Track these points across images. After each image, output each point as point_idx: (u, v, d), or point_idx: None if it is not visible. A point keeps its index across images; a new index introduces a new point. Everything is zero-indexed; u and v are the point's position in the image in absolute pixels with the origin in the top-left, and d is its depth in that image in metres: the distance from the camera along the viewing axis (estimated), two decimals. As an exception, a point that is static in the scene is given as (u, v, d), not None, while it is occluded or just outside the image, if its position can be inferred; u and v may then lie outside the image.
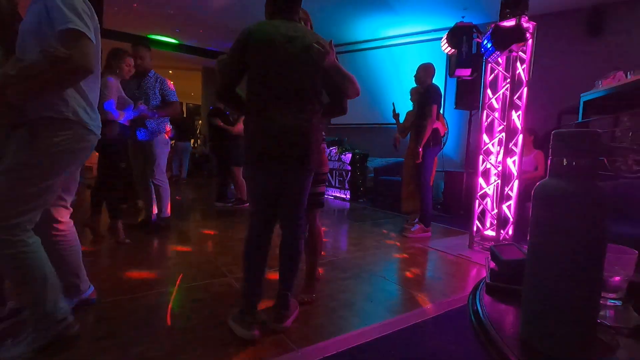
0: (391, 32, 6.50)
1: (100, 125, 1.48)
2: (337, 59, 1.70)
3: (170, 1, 5.50)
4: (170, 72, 10.09)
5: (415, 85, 3.71)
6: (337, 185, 6.04)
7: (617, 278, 0.69)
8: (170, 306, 1.93)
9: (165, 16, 6.15)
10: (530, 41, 2.83)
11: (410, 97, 3.94)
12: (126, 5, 5.67)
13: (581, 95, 3.34)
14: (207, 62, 9.10)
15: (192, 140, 10.16)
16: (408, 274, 2.57)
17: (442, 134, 3.71)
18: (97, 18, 1.34)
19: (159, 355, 1.43)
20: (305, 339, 1.59)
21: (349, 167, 5.81)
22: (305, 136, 1.59)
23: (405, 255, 3.00)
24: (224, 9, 5.64)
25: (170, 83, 3.22)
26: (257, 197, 1.64)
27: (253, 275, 1.64)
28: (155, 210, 3.31)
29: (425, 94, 3.48)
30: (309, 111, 1.61)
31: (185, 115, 11.45)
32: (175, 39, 7.43)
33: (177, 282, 2.18)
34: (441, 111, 4.37)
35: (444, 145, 5.47)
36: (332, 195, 6.09)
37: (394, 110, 3.91)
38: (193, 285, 2.14)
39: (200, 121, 10.73)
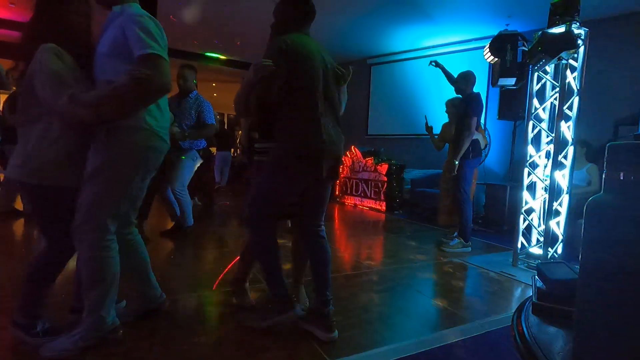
0: (431, 42, 6.41)
1: (169, 135, 1.59)
2: None
3: (215, 19, 5.81)
4: (213, 84, 10.60)
5: (456, 94, 3.62)
6: (372, 196, 5.97)
7: (686, 305, 0.63)
8: (207, 309, 1.99)
9: (210, 32, 6.51)
10: (582, 48, 2.68)
11: (445, 109, 3.85)
12: (175, 24, 6.06)
13: (641, 104, 3.08)
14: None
15: (232, 150, 10.53)
16: (446, 290, 2.47)
17: (482, 146, 3.58)
18: (166, 37, 1.44)
19: (195, 358, 1.48)
20: (338, 351, 1.57)
21: (385, 178, 5.74)
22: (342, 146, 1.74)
23: (442, 270, 2.89)
24: (262, 24, 5.86)
25: (209, 105, 3.32)
26: (282, 200, 1.70)
27: (282, 274, 1.69)
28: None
29: (466, 104, 3.37)
30: (339, 123, 1.75)
31: (226, 126, 11.91)
32: (218, 54, 7.83)
33: (214, 287, 2.25)
34: (483, 121, 4.23)
35: (485, 157, 5.26)
36: (367, 207, 6.03)
37: (426, 123, 3.83)
38: (230, 290, 2.19)
39: (240, 131, 11.11)
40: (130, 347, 1.50)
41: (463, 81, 3.44)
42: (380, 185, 5.83)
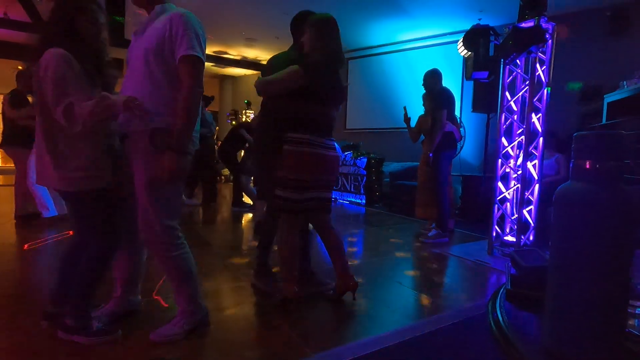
0: (406, 36, 6.48)
1: (199, 137, 1.61)
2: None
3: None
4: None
5: (425, 91, 3.69)
6: (352, 190, 6.01)
7: (647, 286, 0.66)
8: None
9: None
10: (550, 42, 2.77)
11: (422, 102, 3.92)
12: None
13: (604, 96, 3.24)
14: (224, 70, 9.30)
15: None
16: (425, 279, 2.53)
17: (458, 139, 3.66)
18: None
19: (176, 357, 1.45)
20: (320, 344, 1.58)
21: (364, 172, 5.79)
22: None
23: (422, 260, 2.95)
24: (240, 17, 5.75)
25: None
26: None
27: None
28: None
29: (435, 99, 3.45)
30: None
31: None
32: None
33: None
34: (457, 114, 4.32)
35: (460, 149, 5.38)
36: (347, 200, 6.07)
37: (405, 115, 3.89)
38: (210, 289, 2.16)
39: (217, 127, 10.90)
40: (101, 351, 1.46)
41: (431, 79, 3.53)
42: (359, 179, 5.88)
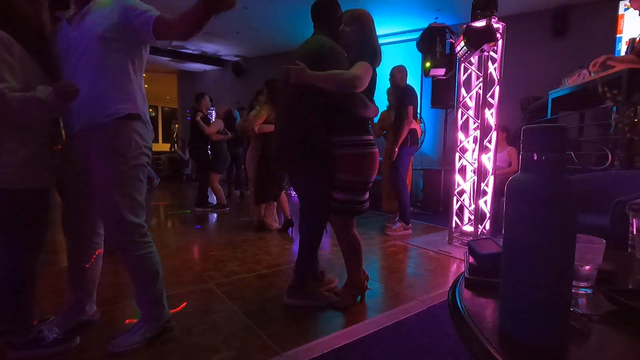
0: (367, 33, 6.56)
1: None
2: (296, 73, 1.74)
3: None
4: (144, 75, 9.83)
5: (391, 86, 3.78)
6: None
7: (588, 267, 0.72)
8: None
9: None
10: (500, 41, 2.93)
11: (387, 97, 4.01)
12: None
13: (549, 92, 3.48)
14: (182, 65, 8.94)
15: (169, 145, 9.95)
16: (390, 271, 2.59)
17: (419, 135, 3.78)
18: None
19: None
20: (289, 342, 1.57)
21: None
22: None
23: (387, 253, 3.03)
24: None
25: None
26: None
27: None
28: None
29: (401, 95, 3.54)
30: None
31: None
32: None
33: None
34: (418, 110, 4.46)
35: (421, 144, 5.56)
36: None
37: None
38: (173, 293, 2.08)
39: (177, 125, 10.50)
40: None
41: (398, 75, 3.62)
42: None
